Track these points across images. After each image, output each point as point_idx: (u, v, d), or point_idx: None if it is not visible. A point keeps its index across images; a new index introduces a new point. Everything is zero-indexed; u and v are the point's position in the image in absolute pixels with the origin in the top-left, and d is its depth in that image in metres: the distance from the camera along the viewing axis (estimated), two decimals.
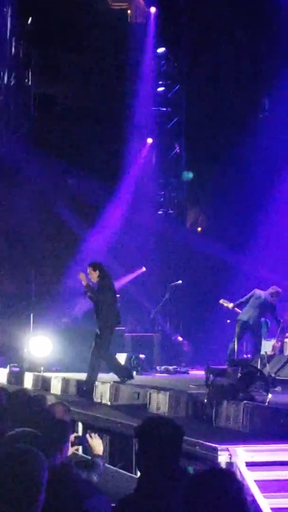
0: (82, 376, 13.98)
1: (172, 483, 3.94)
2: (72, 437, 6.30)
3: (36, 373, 16.36)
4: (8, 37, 23.19)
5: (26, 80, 24.29)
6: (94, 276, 13.77)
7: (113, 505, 4.12)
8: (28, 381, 15.97)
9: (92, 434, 7.25)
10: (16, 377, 16.92)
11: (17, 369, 17.65)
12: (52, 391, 14.49)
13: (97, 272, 13.78)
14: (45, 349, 17.69)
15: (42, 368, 16.88)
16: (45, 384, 15.29)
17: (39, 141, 26.94)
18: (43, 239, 26.95)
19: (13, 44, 23.51)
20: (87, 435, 7.16)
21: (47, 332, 18.13)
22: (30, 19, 23.12)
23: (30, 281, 24.67)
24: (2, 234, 27.11)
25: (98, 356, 13.64)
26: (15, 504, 3.21)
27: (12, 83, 23.87)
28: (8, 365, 18.11)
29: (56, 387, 14.55)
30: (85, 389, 13.47)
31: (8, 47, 23.47)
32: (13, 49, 23.54)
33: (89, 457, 7.28)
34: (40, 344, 17.80)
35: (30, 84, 24.45)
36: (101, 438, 11.35)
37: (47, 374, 16.00)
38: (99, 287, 13.88)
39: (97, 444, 7.10)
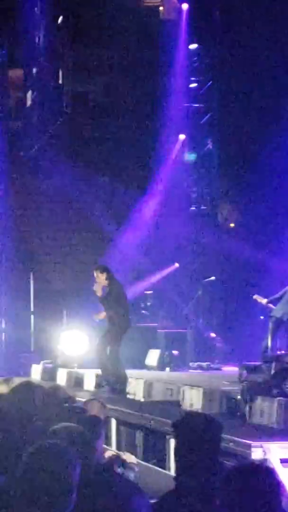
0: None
1: (212, 480, 3.92)
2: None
3: (69, 369, 16.41)
4: (39, 34, 23.24)
5: (58, 78, 24.33)
6: (102, 279, 13.81)
7: (152, 501, 4.10)
8: (61, 378, 16.03)
9: (125, 454, 7.24)
10: (49, 374, 16.99)
11: (50, 365, 17.71)
12: (85, 388, 14.53)
13: (105, 274, 13.83)
14: (79, 345, 17.74)
15: (75, 365, 16.93)
16: (78, 381, 15.33)
17: (71, 139, 27.00)
18: (76, 236, 27.03)
19: (45, 41, 23.55)
20: (121, 455, 7.15)
21: (80, 328, 18.18)
22: (61, 16, 23.16)
23: (63, 278, 24.77)
24: (35, 232, 27.21)
25: (112, 355, 13.71)
26: (45, 500, 3.22)
27: (44, 81, 23.91)
28: (42, 362, 18.19)
29: (89, 384, 14.59)
30: (119, 387, 13.49)
31: (40, 44, 23.52)
32: (44, 47, 23.59)
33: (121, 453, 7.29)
34: (74, 341, 17.85)
35: (63, 82, 24.50)
36: (134, 434, 11.38)
37: (80, 371, 16.04)
38: (108, 291, 13.88)
39: (131, 459, 7.07)
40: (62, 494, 3.25)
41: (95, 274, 14.02)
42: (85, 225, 27.67)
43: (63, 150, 27.09)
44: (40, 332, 20.09)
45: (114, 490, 3.66)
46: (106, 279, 13.80)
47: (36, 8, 22.21)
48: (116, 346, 13.87)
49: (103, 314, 14.21)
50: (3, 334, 20.94)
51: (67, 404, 6.78)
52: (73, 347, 17.75)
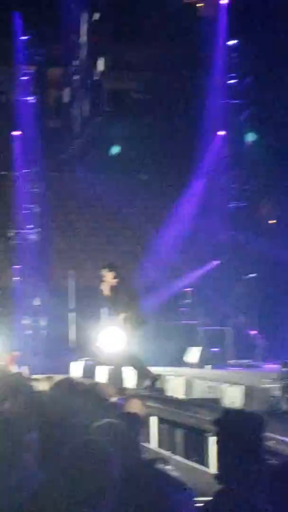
0: (156, 370, 13.98)
1: (255, 477, 3.87)
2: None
3: (108, 366, 16.40)
4: (78, 33, 23.30)
5: (98, 76, 24.38)
6: (110, 278, 13.60)
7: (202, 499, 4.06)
8: (100, 375, 16.03)
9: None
10: (89, 371, 17.01)
11: (90, 362, 17.72)
12: (125, 385, 14.50)
13: (113, 273, 13.62)
14: (117, 343, 17.71)
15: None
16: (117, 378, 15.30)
17: (110, 137, 27.03)
18: (114, 233, 27.07)
19: (84, 40, 23.61)
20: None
21: (119, 325, 18.15)
22: (100, 14, 23.21)
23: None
24: (74, 230, 27.29)
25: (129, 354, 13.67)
26: (85, 497, 3.21)
27: (83, 79, 23.97)
28: (82, 359, 18.22)
29: (129, 381, 14.57)
30: (151, 384, 13.46)
31: (79, 43, 23.59)
32: (84, 45, 23.65)
33: (161, 451, 7.26)
34: (112, 338, 17.83)
35: (102, 80, 24.54)
36: (175, 432, 11.34)
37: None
38: (116, 289, 13.66)
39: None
40: (102, 491, 3.24)
41: (102, 273, 13.78)
42: (123, 223, 27.71)
43: (102, 148, 27.13)
44: (80, 330, 20.13)
45: (158, 487, 3.64)
46: (115, 277, 13.56)
47: (75, 7, 22.23)
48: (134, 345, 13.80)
49: (122, 315, 14.00)
50: (44, 332, 21.02)
51: (106, 402, 6.77)
52: (112, 344, 17.73)
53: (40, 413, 5.54)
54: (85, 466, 3.29)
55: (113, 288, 13.67)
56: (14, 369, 13.42)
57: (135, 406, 6.78)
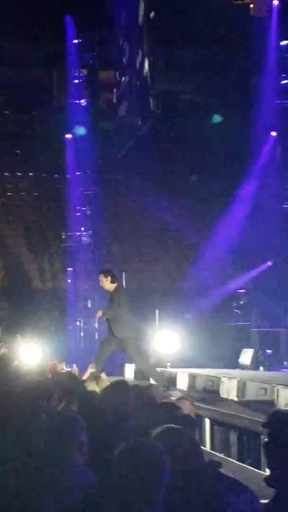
0: (210, 372, 13.95)
1: None
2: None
3: (162, 368, 16.40)
4: (129, 36, 23.37)
5: (149, 78, 24.42)
6: (106, 282, 13.68)
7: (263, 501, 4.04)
8: None
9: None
10: (142, 373, 17.01)
11: None
12: (178, 387, 14.49)
13: (109, 278, 13.70)
14: (171, 344, 17.72)
15: (168, 364, 16.91)
16: (171, 380, 15.31)
17: (161, 138, 27.06)
18: (165, 236, 27.07)
19: (135, 42, 23.67)
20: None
21: (172, 327, 18.16)
22: (151, 16, 23.23)
23: (155, 277, 24.83)
24: (127, 231, 27.36)
25: (137, 361, 13.68)
26: (135, 499, 3.21)
27: (134, 81, 24.03)
28: None
29: (182, 383, 14.55)
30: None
31: (130, 46, 23.65)
32: (135, 48, 23.71)
33: (215, 454, 7.23)
34: (166, 340, 17.84)
35: (153, 82, 24.57)
36: (228, 434, 11.30)
37: (173, 370, 16.01)
38: (113, 294, 13.76)
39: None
40: (151, 498, 3.24)
41: (99, 278, 13.93)
42: (174, 225, 27.69)
43: (153, 149, 27.16)
44: None
45: (218, 489, 3.63)
46: (112, 282, 13.68)
47: (126, 10, 22.30)
48: (137, 353, 13.90)
49: (100, 313, 14.13)
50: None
51: (160, 404, 6.77)
52: (166, 346, 17.73)
53: (92, 415, 5.56)
54: (137, 471, 3.28)
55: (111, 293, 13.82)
56: (63, 368, 13.51)
57: (185, 407, 6.78)
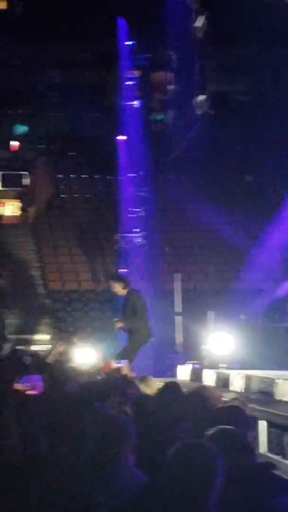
0: (264, 373, 13.82)
1: None
2: None
3: (216, 370, 16.32)
4: (181, 36, 23.31)
5: (202, 78, 24.34)
6: (118, 288, 13.57)
7: None
8: (208, 378, 15.95)
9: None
10: (196, 374, 16.95)
11: (197, 366, 17.67)
12: (232, 388, 14.40)
13: (120, 283, 13.59)
14: (226, 346, 17.62)
15: (222, 365, 16.82)
16: (225, 382, 15.21)
17: (214, 139, 26.95)
18: (218, 237, 26.96)
19: (187, 43, 23.60)
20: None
21: (227, 329, 18.06)
22: (203, 17, 23.16)
23: (208, 278, 24.74)
24: (180, 232, 27.32)
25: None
26: (186, 498, 3.18)
27: (187, 82, 23.96)
28: (188, 362, 18.18)
29: (237, 385, 14.45)
30: None
31: (182, 46, 23.59)
32: (187, 49, 23.64)
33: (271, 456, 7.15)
34: (220, 341, 17.74)
35: (205, 83, 24.49)
36: (284, 436, 11.19)
37: (227, 371, 15.92)
38: (126, 299, 13.73)
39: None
40: (205, 493, 3.21)
41: (110, 284, 13.84)
42: (230, 222, 27.56)
43: (206, 150, 27.07)
44: (186, 332, 20.10)
45: (273, 490, 3.59)
46: (124, 288, 13.57)
47: (178, 11, 22.25)
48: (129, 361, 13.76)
49: (120, 324, 13.99)
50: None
51: (214, 406, 6.71)
52: (220, 347, 17.64)
53: (144, 416, 5.54)
54: (190, 471, 3.25)
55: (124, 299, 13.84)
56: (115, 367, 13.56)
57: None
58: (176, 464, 3.30)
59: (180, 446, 3.42)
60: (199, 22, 23.01)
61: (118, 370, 14.07)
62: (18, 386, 8.60)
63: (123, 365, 13.59)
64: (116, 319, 14.40)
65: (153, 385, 8.48)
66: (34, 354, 13.76)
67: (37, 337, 22.11)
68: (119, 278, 13.92)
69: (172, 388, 7.03)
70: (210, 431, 4.36)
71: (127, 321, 13.46)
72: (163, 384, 7.57)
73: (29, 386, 8.38)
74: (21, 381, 8.99)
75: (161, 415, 5.94)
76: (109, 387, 6.84)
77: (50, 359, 12.43)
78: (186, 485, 3.23)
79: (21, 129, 29.57)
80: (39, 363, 12.32)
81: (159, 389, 7.43)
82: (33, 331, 23.18)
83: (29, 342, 21.04)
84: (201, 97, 22.20)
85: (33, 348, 19.26)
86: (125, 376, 9.63)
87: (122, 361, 14.43)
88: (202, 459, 3.31)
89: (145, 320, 13.77)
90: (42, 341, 20.24)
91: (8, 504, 3.98)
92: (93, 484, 4.06)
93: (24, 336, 21.74)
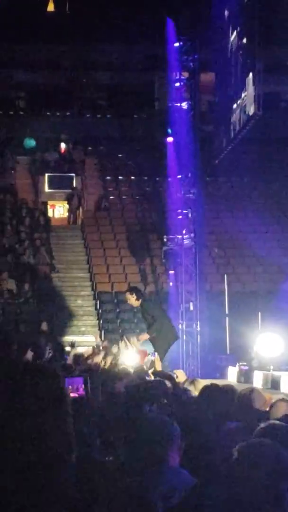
0: None
1: None
2: None
3: (265, 371, 16.24)
4: (229, 37, 23.22)
5: (250, 79, 24.23)
6: (133, 300, 13.81)
7: None
8: (257, 380, 15.89)
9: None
10: (245, 376, 16.90)
11: (246, 367, 17.60)
12: (282, 390, 14.32)
13: (134, 295, 13.79)
14: (275, 347, 17.52)
15: (271, 367, 16.74)
16: (274, 383, 15.14)
17: (263, 140, 26.81)
18: (269, 235, 26.82)
19: (235, 44, 23.51)
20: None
21: (276, 330, 17.96)
22: (251, 17, 23.04)
23: (257, 280, 24.62)
24: (228, 234, 27.23)
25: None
26: (260, 496, 3.14)
27: (235, 83, 23.86)
28: (237, 364, 18.12)
29: (286, 386, 14.37)
30: None
31: (230, 47, 23.50)
32: (235, 49, 23.55)
33: None
34: (269, 343, 17.65)
35: (254, 83, 24.37)
36: None
37: (276, 373, 15.84)
38: (142, 311, 14.08)
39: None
40: (276, 491, 3.16)
41: (126, 297, 14.16)
42: (279, 221, 27.43)
43: (255, 151, 26.95)
44: (235, 334, 20.03)
45: None
46: (137, 299, 13.78)
47: (226, 12, 22.15)
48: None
49: (145, 336, 14.15)
50: (199, 336, 21.03)
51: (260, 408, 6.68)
52: (269, 349, 17.55)
53: (189, 418, 5.52)
54: (262, 468, 3.20)
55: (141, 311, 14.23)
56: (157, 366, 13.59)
57: (281, 408, 6.67)
58: (247, 461, 3.24)
59: (249, 443, 3.38)
60: (248, 22, 22.90)
61: (152, 363, 14.22)
62: None
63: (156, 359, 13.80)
64: (132, 335, 14.89)
65: (201, 386, 8.46)
66: (77, 356, 13.87)
67: (84, 338, 22.19)
68: (134, 290, 14.22)
69: (212, 390, 7.01)
70: (261, 426, 4.33)
71: (150, 330, 13.72)
72: (204, 386, 7.56)
73: (72, 388, 8.41)
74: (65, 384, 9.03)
75: (204, 417, 5.92)
76: (157, 389, 6.83)
77: (95, 361, 12.47)
78: (259, 482, 3.16)
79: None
80: (81, 364, 12.38)
81: (200, 390, 7.42)
82: (80, 333, 23.28)
83: (75, 344, 21.16)
84: (250, 99, 22.09)
85: (79, 349, 19.41)
86: (173, 378, 9.61)
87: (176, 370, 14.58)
88: (272, 456, 3.25)
89: (166, 322, 14.02)
90: (88, 343, 20.34)
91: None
92: (143, 485, 4.06)
93: (70, 337, 21.87)
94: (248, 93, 20.37)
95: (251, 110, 19.32)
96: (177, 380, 9.88)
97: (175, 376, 10.30)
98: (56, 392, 2.47)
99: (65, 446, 2.43)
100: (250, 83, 20.47)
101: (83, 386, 8.43)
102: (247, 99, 20.46)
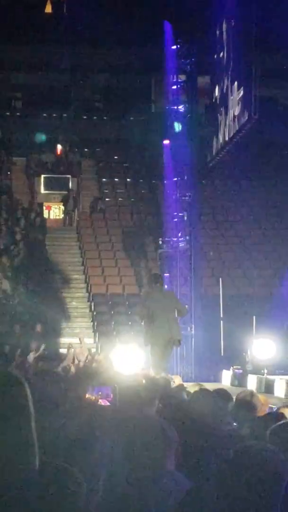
0: None
1: None
2: None
3: (259, 375, 16.26)
4: (226, 41, 23.25)
5: (247, 83, 24.25)
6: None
7: None
8: (251, 384, 15.90)
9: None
10: (239, 379, 16.90)
11: (240, 371, 17.62)
12: (275, 394, 14.34)
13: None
14: (269, 351, 17.54)
15: (265, 371, 16.75)
16: (268, 387, 15.15)
17: (260, 144, 26.82)
18: (265, 241, 26.83)
19: (232, 48, 23.53)
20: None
21: (270, 334, 17.98)
22: (245, 21, 23.06)
23: (252, 284, 24.62)
24: (223, 237, 27.23)
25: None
26: (254, 501, 3.14)
27: (232, 86, 23.89)
28: (231, 367, 18.12)
29: (280, 390, 14.38)
30: None
31: (227, 51, 23.52)
32: (231, 53, 23.58)
33: None
34: (263, 347, 17.67)
35: (250, 87, 24.38)
36: None
37: (270, 377, 15.85)
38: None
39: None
40: (273, 495, 3.15)
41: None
42: (275, 225, 27.42)
43: (252, 155, 26.96)
44: (229, 338, 20.03)
45: None
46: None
47: (223, 15, 22.17)
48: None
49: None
50: (193, 339, 21.02)
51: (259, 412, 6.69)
52: (263, 353, 17.57)
53: (185, 421, 5.53)
54: (256, 473, 3.19)
55: None
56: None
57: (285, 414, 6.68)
58: (241, 465, 3.22)
59: (246, 446, 3.36)
60: (245, 26, 22.92)
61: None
62: (90, 396, 8.64)
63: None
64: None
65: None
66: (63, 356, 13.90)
67: (76, 340, 22.16)
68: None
69: (206, 393, 7.01)
70: (272, 426, 4.32)
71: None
72: (196, 389, 7.57)
73: (101, 396, 8.47)
74: (93, 392, 9.03)
75: (198, 421, 5.92)
76: (152, 392, 6.83)
77: (63, 365, 12.46)
78: (253, 487, 3.15)
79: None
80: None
81: (191, 394, 7.44)
82: (74, 334, 23.25)
83: (68, 345, 21.15)
84: (246, 102, 22.10)
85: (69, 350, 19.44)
86: (168, 381, 9.62)
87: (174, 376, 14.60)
88: (267, 459, 3.24)
89: (156, 324, 13.49)
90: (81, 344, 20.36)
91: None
92: (141, 489, 4.06)
93: (64, 339, 21.87)
94: (244, 97, 20.40)
95: (246, 114, 19.33)
96: (173, 385, 9.89)
97: (172, 382, 10.32)
98: (19, 399, 2.52)
99: (27, 452, 2.49)
100: (246, 87, 20.50)
101: (111, 394, 8.42)
102: (242, 103, 20.49)
